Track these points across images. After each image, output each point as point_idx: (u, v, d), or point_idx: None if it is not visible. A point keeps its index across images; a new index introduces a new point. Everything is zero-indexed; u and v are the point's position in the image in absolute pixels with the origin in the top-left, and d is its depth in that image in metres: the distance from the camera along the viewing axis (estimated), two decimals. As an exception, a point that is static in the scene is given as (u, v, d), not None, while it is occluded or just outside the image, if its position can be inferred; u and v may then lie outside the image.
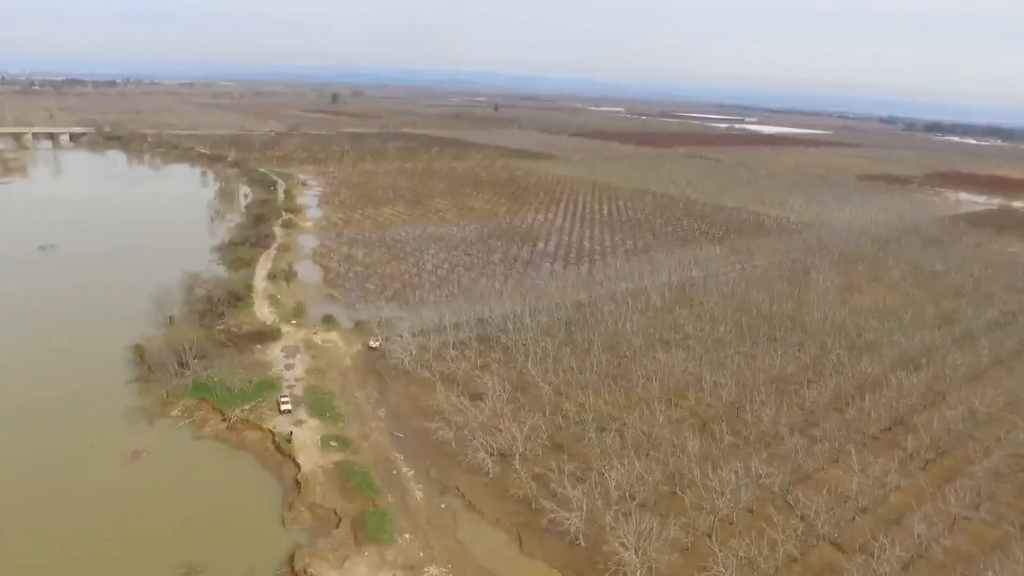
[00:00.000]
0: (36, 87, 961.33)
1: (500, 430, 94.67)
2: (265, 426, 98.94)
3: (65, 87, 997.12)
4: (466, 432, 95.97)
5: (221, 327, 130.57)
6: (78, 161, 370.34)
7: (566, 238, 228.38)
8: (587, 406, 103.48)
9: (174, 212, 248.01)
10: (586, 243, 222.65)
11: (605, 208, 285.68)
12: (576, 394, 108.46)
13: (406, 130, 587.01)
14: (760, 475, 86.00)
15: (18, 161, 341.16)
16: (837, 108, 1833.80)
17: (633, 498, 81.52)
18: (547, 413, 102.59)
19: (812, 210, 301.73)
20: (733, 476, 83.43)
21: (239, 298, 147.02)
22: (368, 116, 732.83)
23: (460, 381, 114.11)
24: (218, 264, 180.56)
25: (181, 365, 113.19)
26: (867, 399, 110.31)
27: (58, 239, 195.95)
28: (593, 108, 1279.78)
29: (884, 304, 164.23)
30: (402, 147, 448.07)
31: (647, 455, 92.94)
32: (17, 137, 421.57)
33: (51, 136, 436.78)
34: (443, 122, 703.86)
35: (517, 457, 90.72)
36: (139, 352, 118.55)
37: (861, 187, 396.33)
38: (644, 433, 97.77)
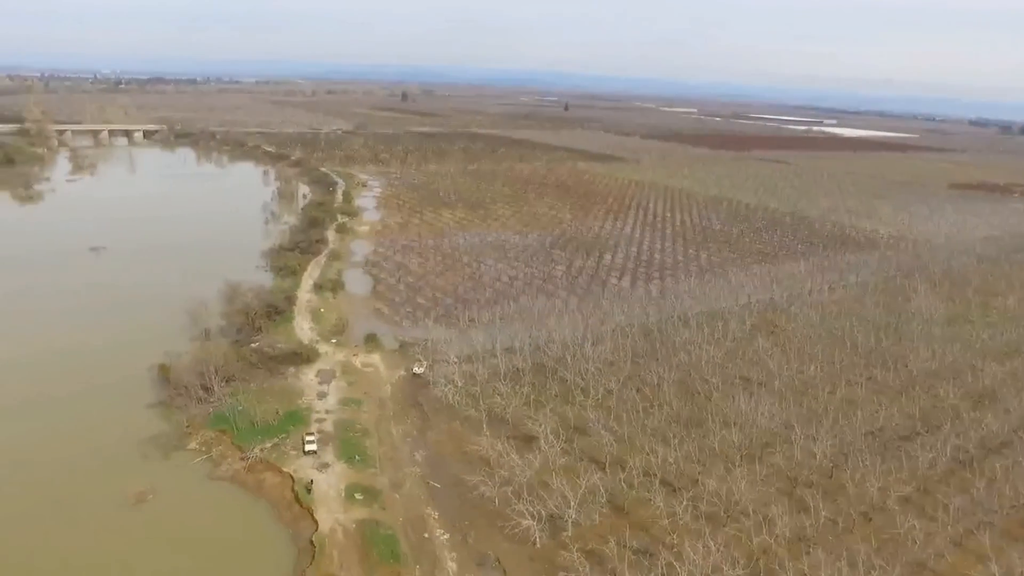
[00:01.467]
0: (122, 86, 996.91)
1: (552, 488, 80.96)
2: (285, 469, 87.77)
3: (148, 86, 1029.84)
4: (512, 489, 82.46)
5: (254, 345, 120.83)
6: (148, 158, 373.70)
7: (635, 250, 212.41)
8: (654, 461, 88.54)
9: (231, 213, 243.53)
10: (656, 256, 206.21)
11: (677, 216, 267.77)
12: (642, 444, 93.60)
13: (473, 130, 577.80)
14: (869, 570, 69.40)
15: (88, 159, 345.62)
16: (924, 111, 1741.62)
17: (709, 593, 66.71)
18: (607, 468, 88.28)
19: (903, 221, 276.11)
20: (837, 574, 67.42)
21: (279, 311, 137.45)
22: (436, 115, 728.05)
23: (510, 420, 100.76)
24: (266, 270, 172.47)
25: (206, 389, 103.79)
26: (996, 465, 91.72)
27: (111, 239, 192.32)
28: (665, 109, 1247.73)
29: (1001, 339, 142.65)
30: (467, 147, 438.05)
31: (725, 527, 77.83)
32: (95, 134, 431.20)
33: (126, 133, 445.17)
34: (511, 122, 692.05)
35: (569, 524, 76.96)
36: (164, 372, 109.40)
37: (955, 196, 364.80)
38: (721, 498, 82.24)
